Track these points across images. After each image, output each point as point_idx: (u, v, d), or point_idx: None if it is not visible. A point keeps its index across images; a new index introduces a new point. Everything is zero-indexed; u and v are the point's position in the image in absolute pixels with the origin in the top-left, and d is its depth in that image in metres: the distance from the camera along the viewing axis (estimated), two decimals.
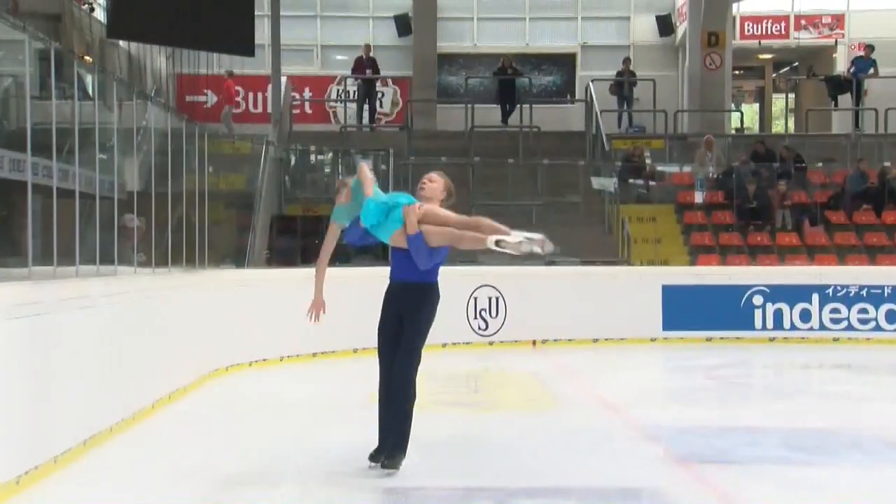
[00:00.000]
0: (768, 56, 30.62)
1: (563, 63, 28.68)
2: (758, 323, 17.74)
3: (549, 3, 28.53)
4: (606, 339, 17.32)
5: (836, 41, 28.64)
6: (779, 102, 30.75)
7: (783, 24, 28.84)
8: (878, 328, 17.66)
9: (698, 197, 22.29)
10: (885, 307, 17.67)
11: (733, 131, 27.30)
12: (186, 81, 23.91)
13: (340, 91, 26.89)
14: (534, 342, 17.15)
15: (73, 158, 9.40)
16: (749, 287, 17.74)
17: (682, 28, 27.77)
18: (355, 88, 25.89)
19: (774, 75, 31.27)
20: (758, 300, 17.73)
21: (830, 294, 17.75)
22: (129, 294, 10.10)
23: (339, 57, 28.08)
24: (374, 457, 7.92)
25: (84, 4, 22.93)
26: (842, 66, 27.88)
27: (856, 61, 26.03)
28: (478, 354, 16.43)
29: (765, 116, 31.53)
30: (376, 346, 8.02)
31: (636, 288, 17.63)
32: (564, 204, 21.81)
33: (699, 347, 17.28)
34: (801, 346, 17.39)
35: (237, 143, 20.86)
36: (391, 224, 7.78)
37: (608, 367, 15.72)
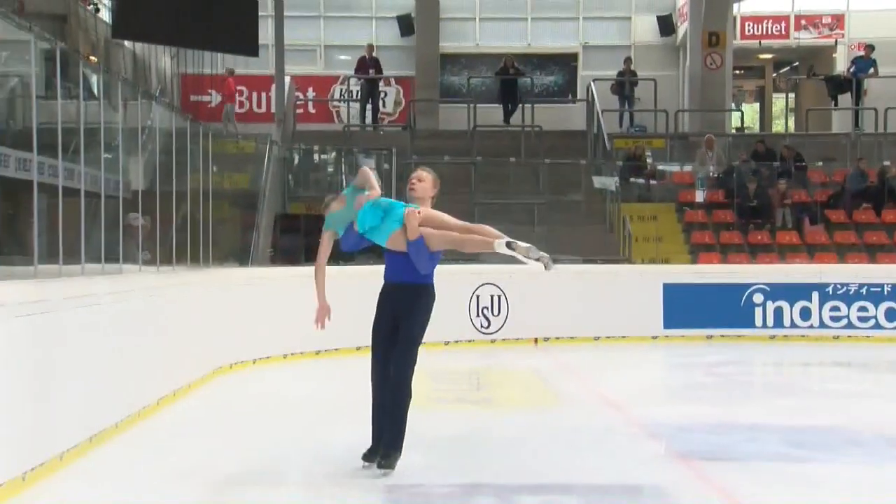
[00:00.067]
0: (769, 56, 30.58)
1: (565, 63, 28.70)
2: (758, 321, 17.72)
3: (550, 3, 28.54)
4: (608, 337, 17.33)
5: (836, 41, 28.62)
6: (779, 102, 30.71)
7: (783, 24, 28.84)
8: (877, 326, 17.65)
9: (699, 196, 22.35)
10: (884, 305, 17.67)
11: (734, 131, 27.31)
12: (191, 81, 23.88)
13: (344, 91, 26.95)
14: (536, 340, 17.19)
15: (79, 158, 9.40)
16: (749, 285, 17.73)
17: (682, 28, 27.78)
18: (358, 88, 25.91)
19: (775, 75, 31.23)
20: (758, 298, 17.72)
21: (830, 292, 17.74)
22: (133, 292, 10.12)
23: (342, 57, 28.10)
24: (367, 456, 7.88)
25: (89, 5, 22.93)
26: (842, 65, 27.85)
27: (856, 61, 26.02)
28: (480, 352, 16.42)
29: (765, 116, 31.49)
30: (370, 346, 7.99)
31: (637, 286, 17.64)
32: (566, 203, 21.76)
33: (700, 345, 17.28)
34: (802, 344, 17.38)
35: (241, 142, 20.85)
36: (389, 225, 7.74)
37: (609, 364, 15.75)
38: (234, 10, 20.09)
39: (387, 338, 7.85)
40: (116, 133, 10.88)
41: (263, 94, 25.66)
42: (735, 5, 27.55)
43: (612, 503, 7.35)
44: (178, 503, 7.28)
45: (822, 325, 17.73)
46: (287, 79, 23.59)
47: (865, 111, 25.68)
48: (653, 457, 8.90)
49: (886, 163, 22.33)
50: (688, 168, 23.58)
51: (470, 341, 16.80)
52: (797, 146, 23.84)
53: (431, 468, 8.19)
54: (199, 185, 13.44)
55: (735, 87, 29.49)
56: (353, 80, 26.20)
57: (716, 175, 22.85)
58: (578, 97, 27.62)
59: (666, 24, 28.41)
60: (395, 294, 7.88)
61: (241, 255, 17.23)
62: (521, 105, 25.37)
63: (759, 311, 17.75)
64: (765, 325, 17.76)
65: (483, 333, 16.98)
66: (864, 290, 17.73)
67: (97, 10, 23.34)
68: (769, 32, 28.97)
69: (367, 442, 7.96)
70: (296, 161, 22.21)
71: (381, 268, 8.03)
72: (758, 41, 29.16)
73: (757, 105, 32.09)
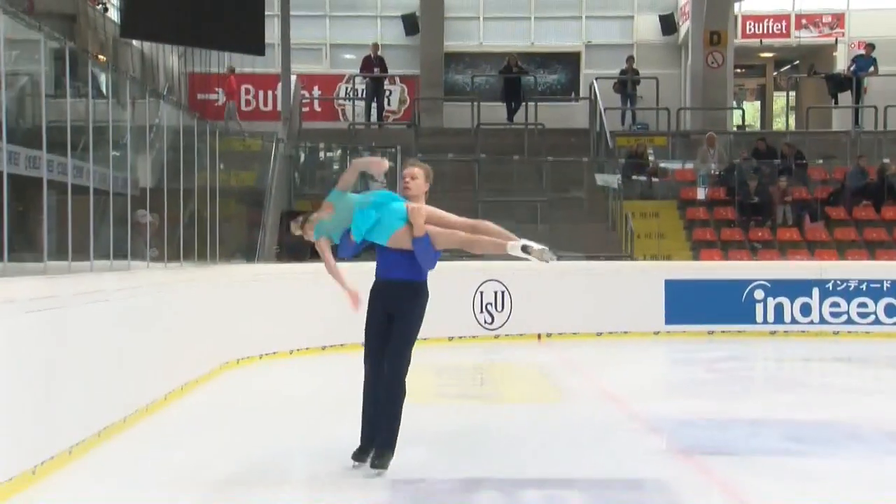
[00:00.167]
0: (769, 54, 30.66)
1: (568, 61, 28.79)
2: (759, 317, 17.69)
3: (554, 2, 28.64)
4: (610, 333, 17.31)
5: (837, 40, 28.72)
6: (780, 100, 30.68)
7: (784, 23, 28.93)
8: (877, 322, 17.61)
9: (700, 193, 22.36)
10: (884, 301, 17.64)
11: (735, 128, 27.34)
12: (198, 80, 23.90)
13: (349, 89, 27.01)
14: (539, 336, 17.19)
15: (88, 155, 9.53)
16: (750, 281, 17.68)
17: (684, 27, 27.87)
18: (363, 87, 25.97)
19: (775, 73, 31.28)
20: (759, 294, 17.68)
21: (830, 288, 17.70)
22: (142, 288, 10.13)
23: (347, 56, 28.18)
24: (358, 455, 7.73)
25: (98, 5, 22.96)
26: (842, 64, 27.91)
27: (856, 59, 26.06)
28: (484, 348, 16.48)
29: (766, 114, 31.52)
30: (364, 344, 7.81)
31: (639, 282, 17.61)
32: (569, 200, 21.78)
33: (701, 341, 17.22)
34: (802, 340, 17.31)
35: (248, 140, 20.88)
36: (390, 224, 7.57)
37: (612, 360, 15.73)
38: (240, 9, 20.08)
39: (379, 335, 7.70)
40: (125, 131, 10.91)
41: (270, 93, 25.65)
42: (736, 4, 27.59)
43: (614, 497, 7.32)
44: (183, 500, 7.20)
45: (823, 320, 17.68)
46: (293, 77, 23.64)
47: (865, 109, 25.73)
48: (654, 451, 8.95)
49: (886, 160, 22.30)
50: (689, 166, 23.61)
51: (473, 337, 16.82)
52: (798, 144, 23.87)
53: (434, 463, 8.21)
54: (206, 182, 13.46)
55: (736, 85, 29.55)
56: (358, 79, 26.27)
57: (717, 172, 22.88)
58: (581, 95, 27.71)
59: (668, 23, 28.54)
60: (387, 291, 7.70)
61: (247, 252, 17.24)
62: (524, 103, 25.42)
63: (759, 307, 17.71)
64: (765, 321, 17.72)
65: (486, 329, 16.99)
66: (863, 287, 17.69)
67: (106, 9, 23.39)
68: (770, 31, 29.06)
69: None
70: (302, 159, 22.20)
71: None
72: (759, 40, 29.25)
73: (758, 103, 32.10)
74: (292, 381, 13.11)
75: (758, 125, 31.00)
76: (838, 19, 28.74)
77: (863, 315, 17.74)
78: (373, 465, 7.58)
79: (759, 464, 8.23)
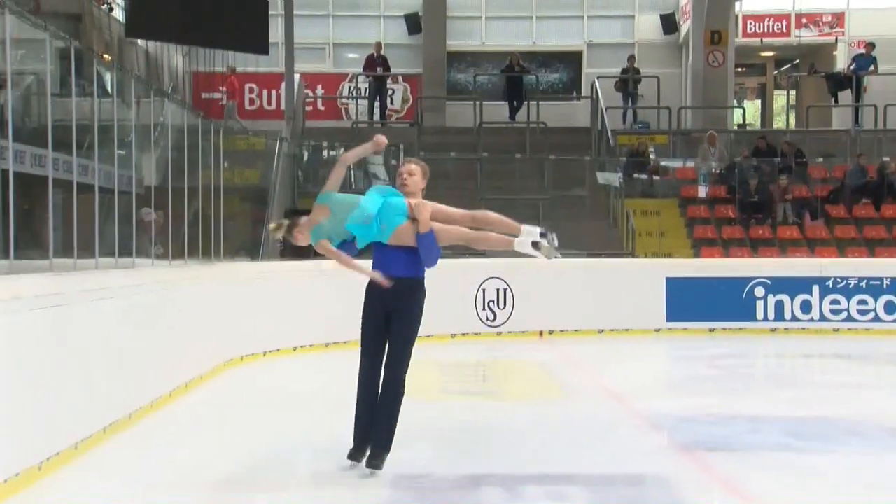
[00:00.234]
0: (770, 53, 30.68)
1: (570, 61, 28.82)
2: (759, 314, 17.73)
3: (555, 2, 28.66)
4: (611, 330, 17.34)
5: (837, 39, 28.75)
6: (780, 99, 30.66)
7: (784, 23, 28.95)
8: (876, 319, 17.67)
9: (701, 191, 22.38)
10: (883, 298, 17.69)
11: (736, 127, 27.38)
12: (202, 79, 23.82)
13: (352, 88, 27.01)
14: (541, 333, 17.24)
15: (93, 154, 9.47)
16: (751, 279, 17.74)
17: (685, 26, 27.88)
18: (367, 86, 25.96)
19: (776, 72, 31.28)
20: (759, 292, 17.73)
21: (830, 286, 17.76)
22: (146, 286, 10.13)
23: (350, 55, 28.20)
24: (354, 455, 7.58)
25: (103, 4, 23.01)
26: (842, 63, 27.91)
27: (856, 58, 26.09)
28: (486, 345, 16.49)
29: (766, 113, 31.50)
30: (360, 342, 7.67)
31: (640, 280, 17.63)
32: (570, 198, 21.80)
33: (702, 338, 17.27)
34: (802, 337, 17.37)
35: (251, 138, 20.92)
36: (391, 221, 7.40)
37: (613, 357, 15.74)
38: (244, 9, 20.17)
39: (378, 334, 7.55)
40: (129, 130, 11.00)
41: (273, 92, 25.56)
42: (737, 4, 27.64)
43: (616, 493, 7.34)
44: (188, 498, 7.16)
45: (823, 318, 17.74)
46: (297, 76, 23.64)
47: (865, 108, 25.74)
48: (656, 448, 9.00)
49: (886, 158, 22.34)
50: (690, 164, 23.63)
51: (476, 334, 16.84)
52: (798, 142, 23.91)
53: (437, 459, 8.23)
54: (210, 180, 13.49)
55: (737, 84, 29.57)
56: (361, 78, 26.27)
57: (718, 171, 22.91)
58: (583, 94, 27.72)
59: (669, 23, 28.55)
60: (387, 289, 7.42)
61: (251, 250, 17.22)
62: (526, 102, 25.39)
63: (760, 305, 17.77)
64: (766, 319, 17.77)
65: (489, 326, 17.04)
66: (863, 284, 17.74)
67: (111, 9, 23.43)
68: (770, 30, 29.08)
69: None
70: (305, 157, 22.18)
71: None
72: (759, 39, 29.27)
73: (758, 102, 32.11)
74: (296, 378, 13.12)
75: (758, 124, 30.98)
76: (838, 18, 28.75)
77: (862, 312, 17.79)
78: (369, 465, 7.48)
79: (759, 460, 8.26)
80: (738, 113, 28.64)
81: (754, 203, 21.66)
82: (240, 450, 8.54)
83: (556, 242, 7.55)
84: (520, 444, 8.94)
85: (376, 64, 25.51)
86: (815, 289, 17.84)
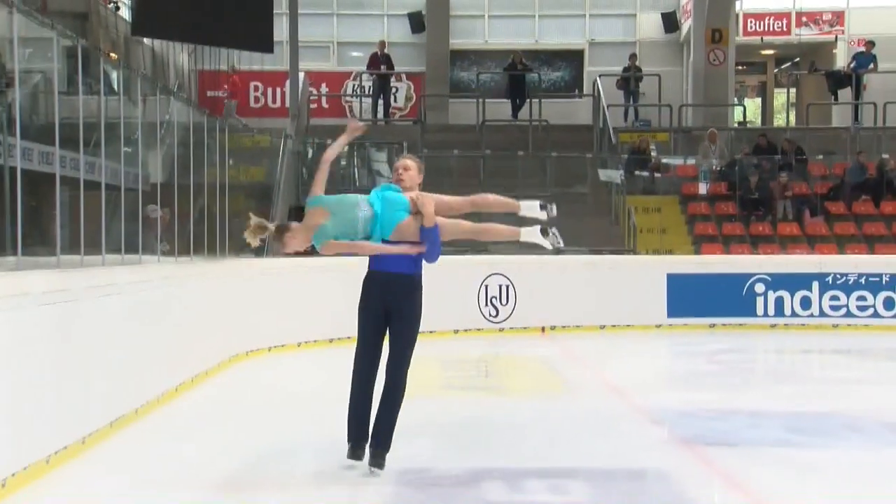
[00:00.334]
0: (770, 52, 30.68)
1: (572, 59, 28.85)
2: (759, 310, 17.81)
3: (557, 1, 28.69)
4: (613, 326, 17.44)
5: (837, 37, 28.75)
6: (780, 97, 30.62)
7: (785, 21, 28.96)
8: (876, 315, 17.76)
9: (702, 188, 22.35)
10: (883, 294, 17.79)
11: (736, 125, 27.39)
12: (208, 77, 23.85)
13: (356, 86, 26.96)
14: (543, 329, 17.29)
15: (100, 151, 9.59)
16: (751, 275, 17.82)
17: (686, 25, 27.91)
18: (370, 84, 25.96)
19: (776, 70, 31.28)
20: (759, 288, 17.81)
21: (830, 282, 17.85)
22: (152, 282, 10.15)
23: (354, 53, 28.24)
24: (353, 454, 7.45)
25: (110, 3, 23.08)
26: (842, 61, 27.90)
27: (856, 57, 26.10)
28: (488, 340, 16.54)
29: (767, 110, 31.50)
30: (357, 340, 7.51)
31: (642, 276, 17.70)
32: (572, 195, 21.74)
33: (703, 334, 17.36)
34: (802, 333, 17.44)
35: (256, 136, 20.96)
36: (392, 216, 7.28)
37: (615, 352, 15.85)
38: (249, 8, 20.23)
39: (377, 331, 7.41)
40: (136, 127, 11.01)
41: (278, 90, 25.58)
42: (737, 2, 27.64)
43: (617, 487, 7.35)
44: (192, 493, 7.15)
45: (822, 314, 17.82)
46: (301, 75, 23.70)
47: (865, 106, 25.71)
48: (657, 442, 9.05)
49: (885, 156, 22.33)
50: (691, 161, 23.64)
51: (479, 330, 16.89)
52: (798, 140, 23.91)
53: (440, 454, 8.29)
54: (215, 178, 13.55)
55: (737, 82, 29.56)
56: (365, 76, 26.24)
57: (718, 168, 22.90)
58: (585, 92, 27.73)
59: (670, 21, 28.58)
60: (387, 285, 7.33)
61: (256, 246, 17.25)
62: (528, 100, 25.42)
63: (760, 301, 17.85)
64: (766, 314, 17.84)
65: (491, 322, 17.09)
66: (862, 280, 17.83)
67: (117, 8, 23.49)
68: (771, 29, 29.09)
69: None
70: (309, 155, 22.02)
71: None
72: (760, 37, 29.28)
73: (759, 100, 32.12)
74: (300, 373, 13.17)
75: (759, 121, 30.95)
76: (838, 17, 28.75)
77: (862, 308, 17.88)
78: (371, 464, 7.38)
79: (759, 454, 8.31)
80: (738, 111, 28.65)
81: (755, 200, 21.65)
82: (245, 446, 8.54)
83: (554, 212, 7.64)
84: (522, 439, 8.96)
85: (380, 62, 25.49)
86: (815, 285, 17.92)
